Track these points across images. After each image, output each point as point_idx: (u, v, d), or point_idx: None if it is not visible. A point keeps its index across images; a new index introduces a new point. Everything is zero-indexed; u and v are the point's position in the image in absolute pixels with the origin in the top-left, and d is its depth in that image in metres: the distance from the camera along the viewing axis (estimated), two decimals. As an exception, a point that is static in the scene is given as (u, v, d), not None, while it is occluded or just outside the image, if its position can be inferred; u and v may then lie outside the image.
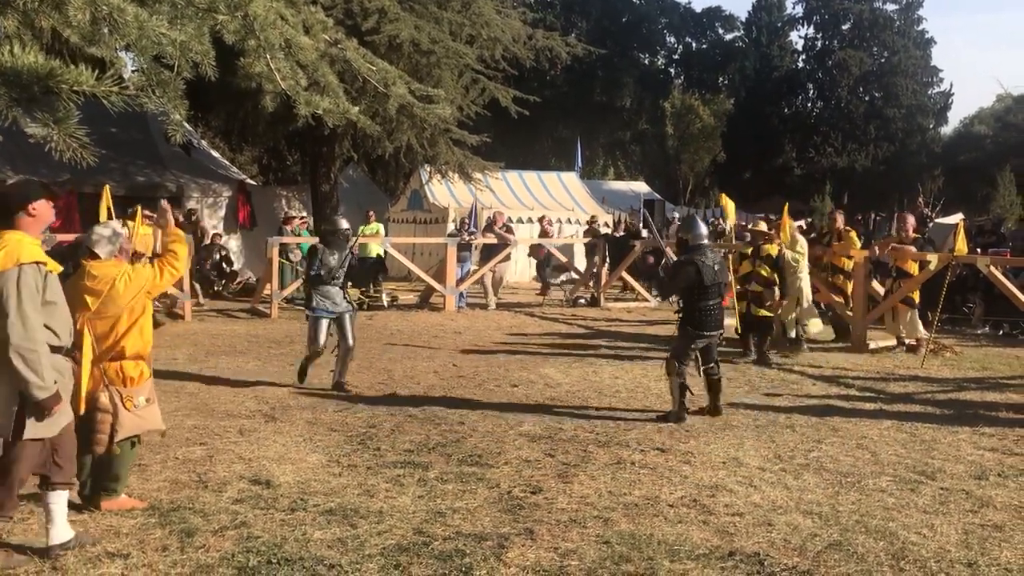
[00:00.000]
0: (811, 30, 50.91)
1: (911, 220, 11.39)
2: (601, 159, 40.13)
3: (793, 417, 7.73)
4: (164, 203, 5.25)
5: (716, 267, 7.60)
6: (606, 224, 20.53)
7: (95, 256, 4.90)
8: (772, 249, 10.46)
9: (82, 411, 4.60)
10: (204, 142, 22.33)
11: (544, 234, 18.67)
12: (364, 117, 5.30)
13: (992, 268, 10.11)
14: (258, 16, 3.93)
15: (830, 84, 48.52)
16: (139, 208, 11.41)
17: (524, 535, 4.77)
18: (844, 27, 49.61)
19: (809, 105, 51.00)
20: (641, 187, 29.98)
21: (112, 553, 4.41)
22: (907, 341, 11.11)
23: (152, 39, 3.70)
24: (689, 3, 40.11)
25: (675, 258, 8.39)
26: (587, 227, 19.14)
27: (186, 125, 4.80)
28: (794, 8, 50.79)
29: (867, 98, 48.01)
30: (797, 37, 51.29)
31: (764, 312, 10.53)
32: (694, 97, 45.93)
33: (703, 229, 7.92)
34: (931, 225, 19.00)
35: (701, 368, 7.78)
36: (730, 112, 46.54)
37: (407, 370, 9.70)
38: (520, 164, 27.79)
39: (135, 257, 9.93)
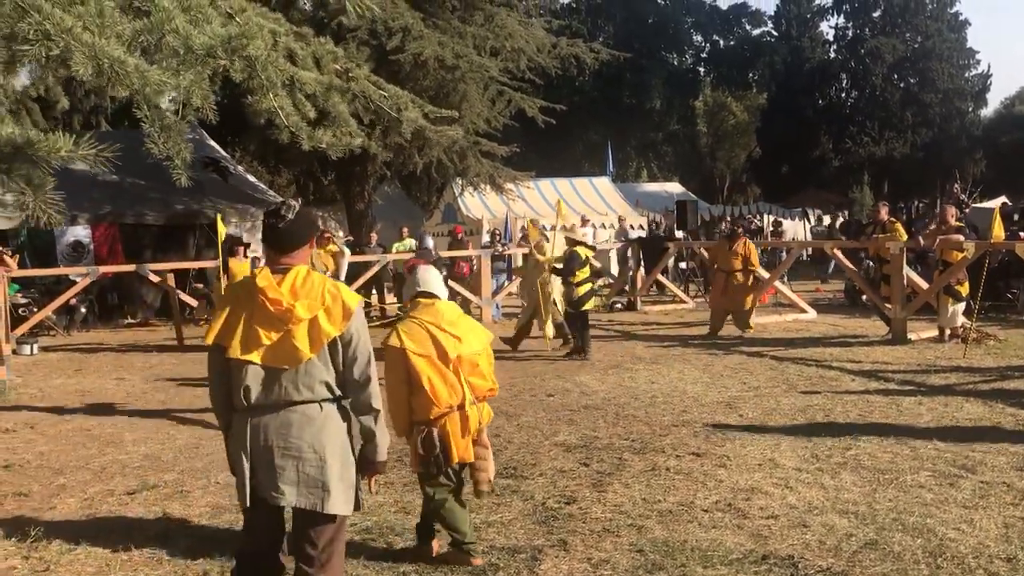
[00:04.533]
0: (841, 19, 50.46)
1: (952, 210, 11.25)
2: (634, 162, 40.03)
3: (831, 414, 7.68)
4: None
5: None
6: (633, 226, 20.51)
7: (434, 296, 4.72)
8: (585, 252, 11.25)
9: (472, 455, 4.57)
10: (241, 167, 22.67)
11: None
12: (375, 144, 5.40)
13: (1032, 253, 9.94)
14: (258, 57, 4.02)
15: (863, 73, 47.84)
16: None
17: (558, 546, 4.80)
18: (875, 14, 48.95)
19: (843, 95, 50.33)
20: (675, 188, 29.88)
21: (155, 580, 4.52)
22: (947, 332, 10.96)
23: (154, 87, 3.81)
24: (715, 1, 40.04)
25: None
26: (618, 228, 19.10)
27: (187, 172, 4.87)
28: (823, -1, 50.44)
29: (902, 85, 47.31)
30: (827, 28, 50.83)
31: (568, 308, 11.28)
32: (726, 94, 45.70)
33: None
34: (967, 211, 18.65)
35: None
36: (763, 107, 46.18)
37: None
38: (553, 171, 27.85)
39: None
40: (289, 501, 3.40)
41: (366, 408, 3.53)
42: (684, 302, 16.80)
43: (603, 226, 21.32)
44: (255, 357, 3.39)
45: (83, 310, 16.52)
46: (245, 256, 12.51)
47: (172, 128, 4.47)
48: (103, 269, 15.04)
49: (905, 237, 11.55)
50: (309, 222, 3.61)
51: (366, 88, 4.87)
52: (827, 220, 24.80)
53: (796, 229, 24.97)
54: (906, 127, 45.84)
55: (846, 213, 24.73)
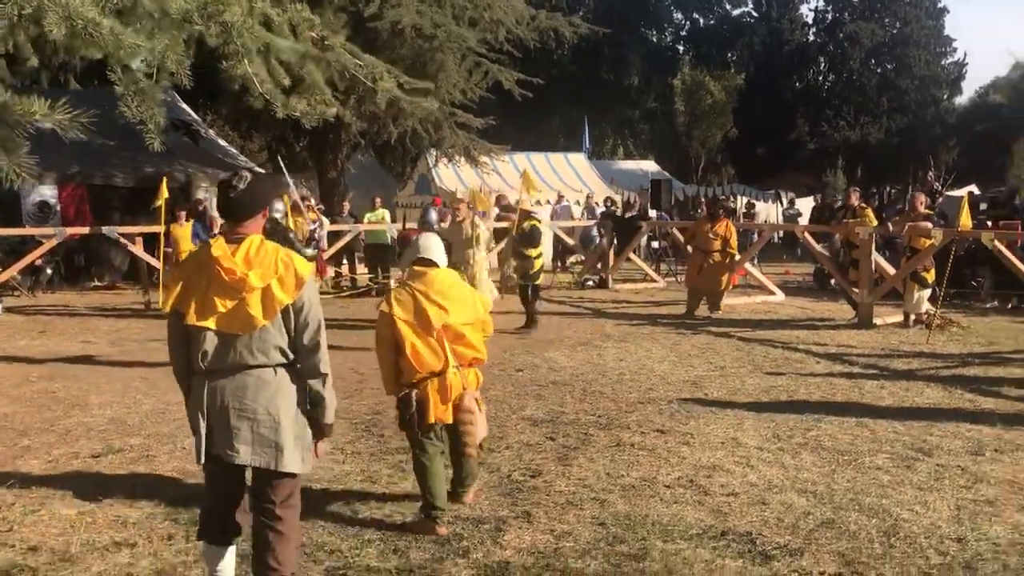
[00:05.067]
0: (821, 3, 50.59)
1: (921, 197, 11.39)
2: (610, 139, 39.99)
3: (795, 396, 7.79)
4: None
5: None
6: (606, 203, 20.56)
7: (431, 264, 4.87)
8: (525, 224, 11.43)
9: (450, 418, 4.74)
10: (212, 131, 22.41)
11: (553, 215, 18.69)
12: (349, 114, 5.37)
13: (996, 243, 10.08)
14: (234, 23, 3.97)
15: (841, 57, 48.09)
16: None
17: (522, 518, 4.86)
18: (854, -1, 49.25)
19: (821, 79, 50.60)
20: (651, 166, 29.91)
21: (119, 543, 4.53)
22: (912, 317, 11.13)
23: (128, 50, 3.76)
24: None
25: None
26: (584, 205, 19.13)
27: (160, 137, 4.83)
28: (804, -20, 50.56)
29: (879, 70, 47.59)
30: (807, 10, 51.02)
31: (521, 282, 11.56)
32: (704, 73, 45.71)
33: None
34: (940, 199, 18.88)
35: None
36: (741, 87, 46.27)
37: (413, 356, 9.76)
38: (529, 145, 27.77)
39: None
40: (243, 460, 3.51)
41: (315, 372, 3.61)
42: (655, 281, 16.89)
43: (576, 203, 21.31)
44: (211, 323, 3.49)
45: (49, 271, 16.33)
46: (187, 221, 12.47)
47: (146, 92, 4.43)
48: (70, 231, 14.83)
49: (875, 223, 11.68)
50: (261, 192, 3.64)
51: (341, 56, 4.84)
52: (799, 204, 24.95)
53: (768, 211, 25.14)
54: (882, 112, 46.17)
55: (819, 196, 24.94)
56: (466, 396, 4.78)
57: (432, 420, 4.69)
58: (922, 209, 11.03)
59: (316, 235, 11.72)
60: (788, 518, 4.83)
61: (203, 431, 3.53)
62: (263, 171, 23.06)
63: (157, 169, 19.26)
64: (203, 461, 3.57)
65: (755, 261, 16.23)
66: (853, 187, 13.14)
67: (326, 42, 4.69)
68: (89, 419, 7.07)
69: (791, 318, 12.49)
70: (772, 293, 14.45)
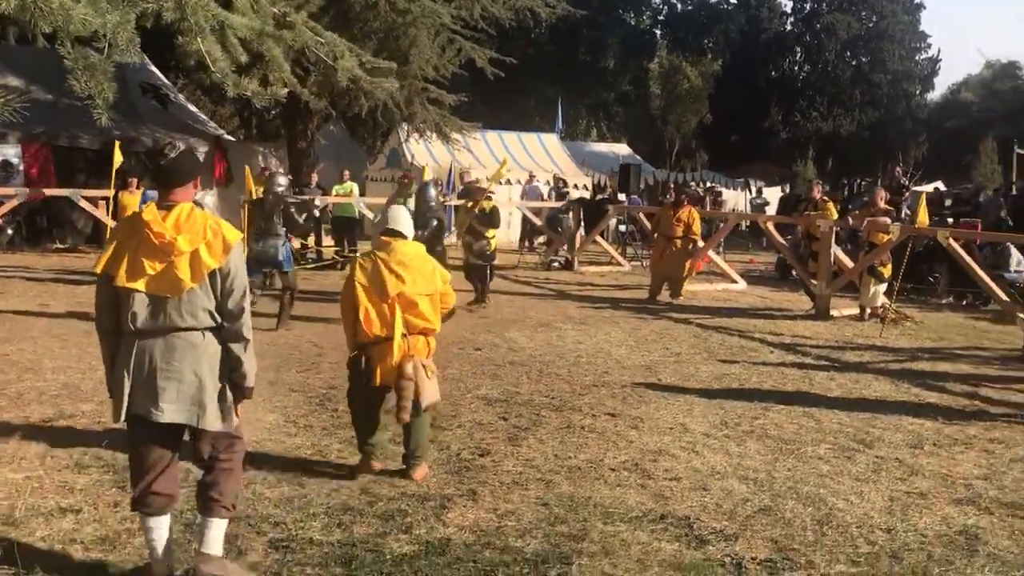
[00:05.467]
0: (800, -9, 50.77)
1: (882, 192, 11.58)
2: (584, 120, 40.01)
3: (746, 384, 7.94)
4: None
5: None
6: (577, 186, 20.67)
7: (399, 235, 5.17)
8: (487, 204, 11.55)
9: (398, 383, 4.98)
10: (182, 96, 22.16)
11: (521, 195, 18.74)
12: (307, 92, 5.39)
13: (951, 241, 10.28)
14: (188, 1, 3.97)
15: (817, 48, 48.41)
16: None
17: (467, 496, 4.94)
18: (833, -11, 49.49)
19: (796, 68, 50.93)
20: (623, 149, 29.95)
21: (64, 508, 4.55)
22: (867, 311, 11.33)
23: (78, 25, 3.74)
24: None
25: None
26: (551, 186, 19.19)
27: (108, 113, 4.83)
28: (784, -30, 50.72)
29: (854, 63, 47.95)
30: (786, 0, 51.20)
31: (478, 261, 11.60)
32: (681, 59, 45.81)
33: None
34: (907, 195, 19.16)
35: None
36: (717, 73, 46.43)
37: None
38: (504, 123, 27.71)
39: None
40: (168, 418, 3.63)
41: (237, 336, 3.73)
42: (620, 264, 17.00)
43: (547, 183, 21.34)
44: (140, 286, 3.61)
45: (9, 231, 16.14)
46: (137, 188, 12.44)
47: (96, 67, 4.41)
48: (43, 192, 14.65)
49: (836, 216, 11.85)
50: (192, 162, 3.80)
51: (302, 33, 4.84)
52: (767, 193, 25.17)
53: (737, 199, 25.35)
54: (854, 105, 46.55)
55: (787, 187, 25.14)
56: (408, 362, 5.00)
57: (378, 382, 5.04)
58: (882, 204, 11.20)
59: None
60: (727, 504, 4.95)
61: (126, 391, 3.65)
62: (230, 138, 22.91)
63: (124, 132, 19.05)
64: (122, 419, 3.69)
65: (720, 249, 16.44)
66: (816, 180, 13.32)
67: (287, 18, 4.70)
68: (42, 383, 7.05)
69: (750, 307, 12.66)
70: (734, 281, 14.62)
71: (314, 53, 5.25)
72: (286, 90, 5.40)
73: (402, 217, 5.27)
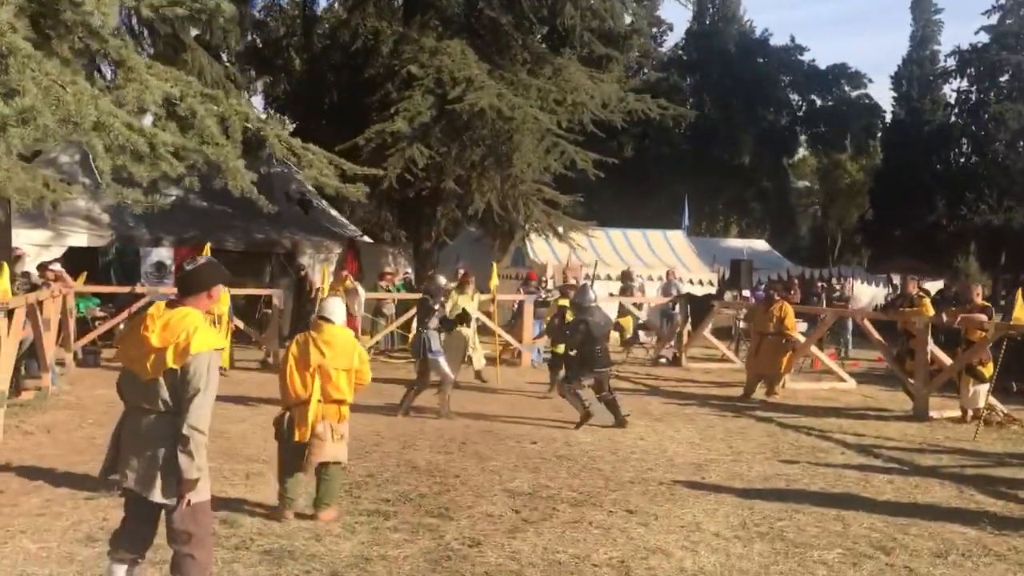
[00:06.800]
0: (964, 83, 48.95)
1: (977, 288, 10.97)
2: (723, 217, 39.70)
3: (794, 485, 7.65)
4: None
5: (602, 323, 10.42)
6: (694, 281, 20.49)
7: (328, 321, 6.31)
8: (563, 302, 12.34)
9: (307, 438, 6.04)
10: (325, 202, 23.70)
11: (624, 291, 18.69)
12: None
13: (1047, 338, 9.58)
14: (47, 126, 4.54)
15: (985, 138, 46.27)
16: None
17: (429, 584, 5.04)
18: (1001, 79, 47.46)
19: (963, 160, 48.76)
20: (761, 245, 29.44)
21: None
22: (969, 413, 10.63)
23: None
24: (813, 61, 39.65)
25: None
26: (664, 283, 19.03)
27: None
28: (946, 61, 49.15)
29: (1026, 153, 45.35)
30: (950, 91, 49.36)
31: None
32: (839, 153, 45.08)
33: (591, 295, 10.43)
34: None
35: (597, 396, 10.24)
36: (878, 168, 45.16)
37: (441, 425, 10.03)
38: (639, 221, 27.97)
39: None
40: (129, 484, 4.19)
41: (183, 430, 4.09)
42: (732, 362, 16.60)
43: (659, 278, 21.18)
44: (127, 364, 4.33)
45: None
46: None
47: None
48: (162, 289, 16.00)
49: (931, 312, 11.27)
50: (210, 275, 4.38)
51: (274, 144, 5.33)
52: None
53: (876, 295, 24.23)
54: (1028, 196, 43.80)
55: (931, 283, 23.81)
56: (320, 424, 6.07)
57: (298, 438, 6.07)
58: (978, 301, 10.60)
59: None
60: (690, 604, 4.83)
61: (110, 454, 4.33)
62: (368, 239, 24.18)
63: (266, 236, 20.63)
64: (100, 476, 4.42)
65: (847, 349, 15.72)
66: (911, 275, 12.76)
67: (261, 133, 5.20)
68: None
69: (847, 406, 12.10)
70: (843, 380, 14.00)
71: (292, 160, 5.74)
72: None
73: (331, 307, 6.40)
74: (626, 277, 18.52)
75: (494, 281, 14.96)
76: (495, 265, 16.84)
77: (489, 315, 14.69)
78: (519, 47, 17.71)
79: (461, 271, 17.73)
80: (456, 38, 16.58)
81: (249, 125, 5.25)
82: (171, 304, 4.26)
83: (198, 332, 4.16)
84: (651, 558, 5.61)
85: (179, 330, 4.14)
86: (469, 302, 13.37)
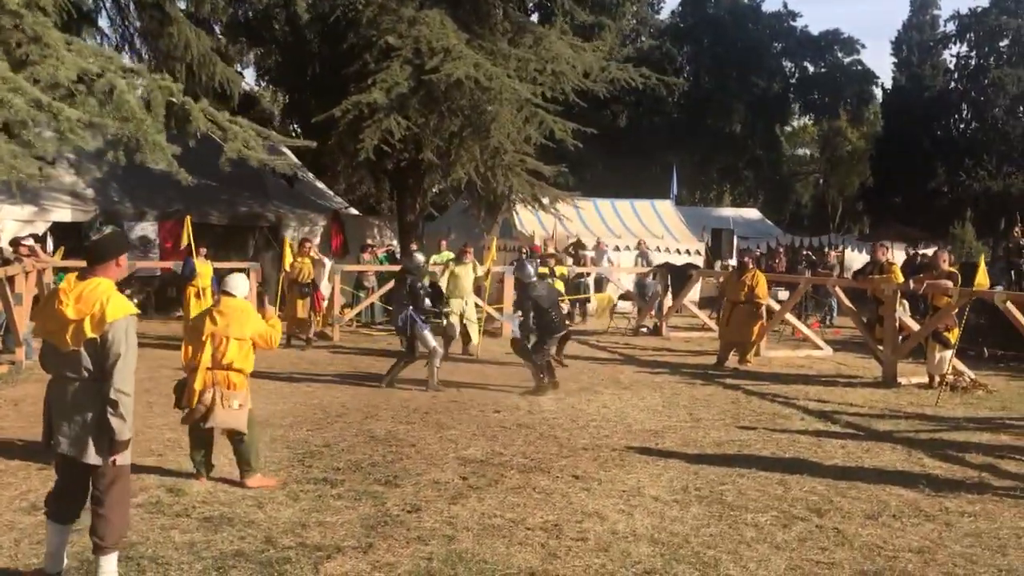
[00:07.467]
0: (964, 48, 48.55)
1: (944, 255, 10.99)
2: (716, 186, 39.56)
3: (744, 450, 7.73)
4: None
5: (546, 293, 10.64)
6: (689, 251, 20.46)
7: (229, 294, 6.54)
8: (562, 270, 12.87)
9: (193, 404, 6.27)
10: (311, 174, 23.69)
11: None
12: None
13: (1009, 304, 9.60)
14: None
15: (985, 104, 45.97)
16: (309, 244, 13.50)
17: (360, 548, 5.14)
18: (1001, 44, 47.07)
19: (963, 126, 48.47)
20: (752, 214, 29.42)
21: None
22: (935, 378, 10.69)
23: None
24: (806, 27, 39.28)
25: None
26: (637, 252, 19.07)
27: None
28: (946, 26, 48.72)
29: (1025, 118, 45.08)
30: (950, 56, 48.96)
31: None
32: (839, 119, 44.89)
33: (529, 269, 10.66)
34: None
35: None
36: (879, 134, 44.97)
37: (409, 396, 10.10)
38: (632, 191, 27.96)
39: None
40: (64, 450, 4.38)
41: (107, 394, 4.27)
42: (712, 330, 16.65)
43: (658, 249, 21.18)
44: (44, 337, 4.53)
45: (135, 300, 17.67)
46: (206, 258, 13.44)
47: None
48: (140, 264, 16.10)
49: (901, 279, 11.29)
50: (116, 244, 4.52)
51: (198, 118, 5.37)
52: (899, 255, 23.82)
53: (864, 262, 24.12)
54: (1027, 161, 43.63)
55: (910, 250, 23.52)
56: (208, 391, 6.28)
57: (184, 403, 6.41)
58: (945, 267, 10.62)
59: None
60: (613, 566, 4.92)
61: (46, 422, 4.53)
62: (354, 211, 24.20)
63: (250, 209, 20.67)
64: (43, 443, 4.56)
65: (831, 317, 15.75)
66: (880, 243, 12.72)
67: (185, 107, 5.24)
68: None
69: (819, 374, 12.16)
70: (819, 348, 14.06)
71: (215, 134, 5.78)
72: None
73: (233, 282, 6.60)
74: (580, 247, 18.60)
75: (492, 255, 14.97)
76: (494, 240, 16.90)
77: (480, 290, 14.74)
78: (500, 17, 17.60)
79: (444, 243, 17.90)
80: (436, 8, 16.49)
81: (174, 100, 5.30)
82: (81, 276, 4.40)
83: (111, 300, 4.30)
84: (586, 521, 5.70)
85: (93, 300, 4.29)
86: (468, 274, 13.40)
